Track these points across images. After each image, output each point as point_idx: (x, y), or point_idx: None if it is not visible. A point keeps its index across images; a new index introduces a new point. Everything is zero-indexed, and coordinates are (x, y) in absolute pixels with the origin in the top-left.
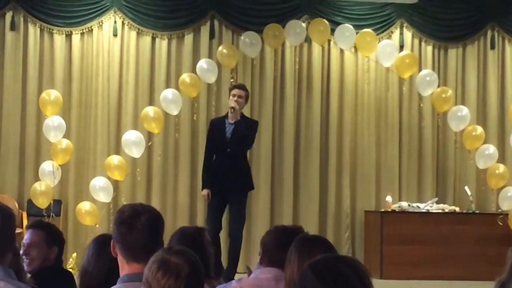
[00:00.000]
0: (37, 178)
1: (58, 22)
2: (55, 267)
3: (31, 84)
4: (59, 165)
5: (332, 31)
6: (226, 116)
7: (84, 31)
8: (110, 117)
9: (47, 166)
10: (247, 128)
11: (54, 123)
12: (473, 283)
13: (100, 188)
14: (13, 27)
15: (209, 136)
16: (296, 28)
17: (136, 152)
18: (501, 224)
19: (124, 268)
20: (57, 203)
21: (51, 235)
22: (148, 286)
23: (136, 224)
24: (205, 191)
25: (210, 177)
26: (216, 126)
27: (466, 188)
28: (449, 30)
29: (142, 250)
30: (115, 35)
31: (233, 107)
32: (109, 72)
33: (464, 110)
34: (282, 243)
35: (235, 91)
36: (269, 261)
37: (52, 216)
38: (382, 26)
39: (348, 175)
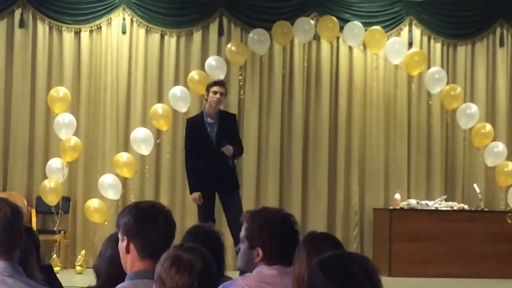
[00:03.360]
0: (46, 176)
1: (67, 19)
2: None
3: (39, 82)
4: (68, 162)
5: (341, 28)
6: (202, 115)
7: (93, 28)
8: (118, 114)
9: (54, 163)
10: (231, 124)
11: (64, 120)
12: (481, 281)
13: (109, 185)
14: (22, 24)
15: (188, 136)
16: (305, 25)
17: (145, 149)
18: (509, 222)
19: (136, 264)
20: (66, 200)
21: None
22: (161, 283)
23: (161, 222)
24: (197, 194)
25: (199, 178)
26: (196, 126)
27: (475, 185)
28: (458, 27)
29: (160, 248)
30: (123, 32)
31: (219, 99)
32: (118, 70)
33: (473, 108)
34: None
35: (216, 88)
36: (252, 244)
37: (61, 213)
38: (391, 24)
39: (356, 172)
